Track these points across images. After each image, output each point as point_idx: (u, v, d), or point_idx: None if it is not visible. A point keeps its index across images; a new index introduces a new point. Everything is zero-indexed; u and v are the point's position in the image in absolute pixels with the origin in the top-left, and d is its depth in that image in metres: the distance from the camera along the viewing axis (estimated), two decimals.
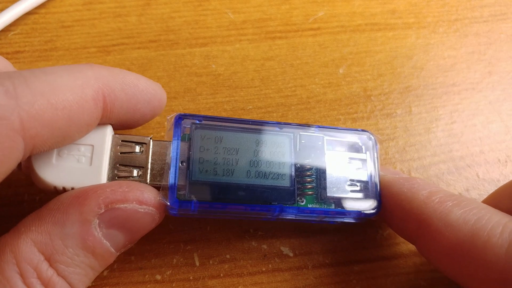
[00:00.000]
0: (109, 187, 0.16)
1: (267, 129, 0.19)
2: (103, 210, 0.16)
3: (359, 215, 0.19)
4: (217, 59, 0.25)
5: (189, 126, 0.19)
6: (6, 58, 0.20)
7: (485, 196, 0.21)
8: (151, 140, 0.19)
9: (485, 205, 0.17)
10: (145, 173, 0.18)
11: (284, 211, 0.19)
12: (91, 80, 0.16)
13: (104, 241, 0.16)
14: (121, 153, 0.18)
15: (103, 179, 0.18)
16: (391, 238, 0.21)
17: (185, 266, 0.20)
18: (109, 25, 0.26)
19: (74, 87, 0.16)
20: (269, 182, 0.19)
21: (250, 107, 0.24)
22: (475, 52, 0.27)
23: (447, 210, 0.17)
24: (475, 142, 0.24)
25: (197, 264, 0.20)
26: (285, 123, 0.20)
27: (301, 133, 0.20)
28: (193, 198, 0.18)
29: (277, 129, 0.19)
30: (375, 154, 0.20)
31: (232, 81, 0.25)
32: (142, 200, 0.17)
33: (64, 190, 0.17)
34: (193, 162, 0.18)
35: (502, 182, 0.23)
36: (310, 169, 0.20)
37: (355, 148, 0.21)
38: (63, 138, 0.16)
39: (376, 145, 0.20)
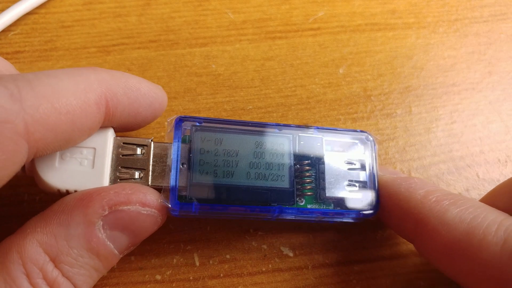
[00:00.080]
0: (112, 190, 0.17)
1: (266, 131, 0.20)
2: (107, 212, 0.16)
3: (358, 215, 0.19)
4: (217, 59, 0.25)
5: (189, 128, 0.19)
6: (6, 58, 0.20)
7: None
8: (152, 142, 0.19)
9: (481, 204, 0.17)
10: (146, 175, 0.19)
11: (284, 212, 0.19)
12: (94, 84, 0.16)
13: (108, 242, 0.16)
14: (122, 155, 0.19)
15: (105, 181, 0.18)
16: (391, 238, 0.21)
17: (185, 266, 0.20)
18: (109, 25, 0.26)
19: (77, 91, 0.16)
20: (268, 184, 0.19)
21: (250, 107, 0.24)
22: (475, 52, 0.27)
23: (443, 209, 0.17)
24: (475, 142, 0.24)
25: (197, 264, 0.20)
26: (284, 125, 0.20)
27: (300, 134, 0.20)
28: (194, 200, 0.18)
29: (276, 130, 0.20)
30: (374, 154, 0.20)
31: (232, 81, 0.25)
32: (145, 202, 0.17)
33: (67, 192, 0.17)
34: (193, 164, 0.18)
35: None
36: (309, 170, 0.20)
37: (353, 148, 0.21)
38: (66, 142, 0.16)
39: (374, 145, 0.20)
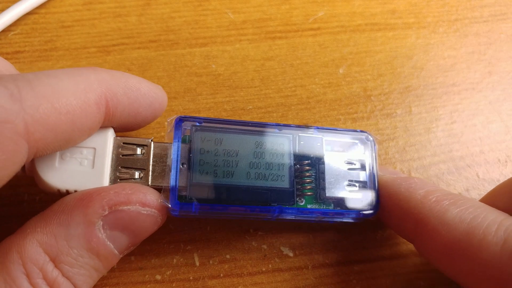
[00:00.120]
0: (112, 189, 0.17)
1: (266, 131, 0.20)
2: (107, 212, 0.16)
3: (358, 215, 0.19)
4: (217, 59, 0.25)
5: (189, 128, 0.19)
6: (6, 58, 0.20)
7: None
8: (152, 142, 0.19)
9: (481, 204, 0.17)
10: (146, 175, 0.19)
11: (284, 212, 0.19)
12: (94, 84, 0.16)
13: (108, 242, 0.16)
14: (122, 155, 0.19)
15: (105, 181, 0.18)
16: (391, 238, 0.21)
17: (185, 266, 0.20)
18: (109, 25, 0.26)
19: (77, 91, 0.16)
20: (268, 184, 0.19)
21: (250, 107, 0.24)
22: (475, 52, 0.27)
23: (443, 209, 0.17)
24: (475, 142, 0.24)
25: (197, 264, 0.20)
26: (284, 125, 0.20)
27: (300, 134, 0.20)
28: (194, 200, 0.18)
29: (276, 130, 0.20)
30: (374, 154, 0.20)
31: (232, 81, 0.25)
32: (145, 202, 0.17)
33: (67, 192, 0.17)
34: (193, 164, 0.18)
35: None
36: (309, 170, 0.20)
37: (353, 148, 0.21)
38: (66, 142, 0.16)
39: (374, 145, 0.20)
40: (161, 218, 0.18)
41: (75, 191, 0.17)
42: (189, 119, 0.19)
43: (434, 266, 0.19)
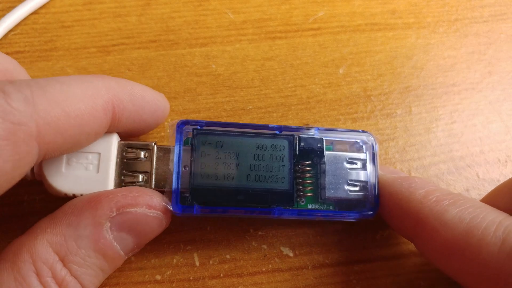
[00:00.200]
0: (120, 192, 0.17)
1: (266, 133, 0.20)
2: (114, 214, 0.17)
3: (358, 215, 0.19)
4: (217, 59, 0.25)
5: (190, 131, 0.19)
6: None
7: None
8: (155, 146, 0.19)
9: (481, 204, 0.17)
10: (150, 178, 0.19)
11: (284, 214, 0.19)
12: (101, 91, 0.17)
13: (115, 243, 0.17)
14: (126, 159, 0.19)
15: (110, 185, 0.18)
16: (391, 238, 0.21)
17: (185, 266, 0.20)
18: (109, 25, 0.26)
19: (86, 97, 0.16)
20: (268, 186, 0.19)
21: (250, 107, 0.24)
22: (475, 52, 0.27)
23: (443, 209, 0.17)
24: (475, 142, 0.24)
25: (197, 264, 0.20)
26: (284, 126, 0.20)
27: (300, 135, 0.20)
28: (195, 203, 0.18)
29: (276, 132, 0.20)
30: (374, 154, 0.20)
31: (232, 81, 0.25)
32: (152, 204, 0.18)
33: (74, 196, 0.18)
34: (194, 168, 0.19)
35: None
36: (310, 170, 0.20)
37: (354, 148, 0.21)
38: (73, 145, 0.17)
39: (375, 145, 0.20)
40: (166, 221, 0.18)
41: (81, 195, 0.18)
42: (190, 123, 0.19)
43: (434, 265, 0.19)
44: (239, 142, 0.19)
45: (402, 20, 0.28)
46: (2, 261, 0.16)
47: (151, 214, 0.18)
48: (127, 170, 0.19)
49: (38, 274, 0.16)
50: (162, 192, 0.19)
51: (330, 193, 0.19)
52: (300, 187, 0.19)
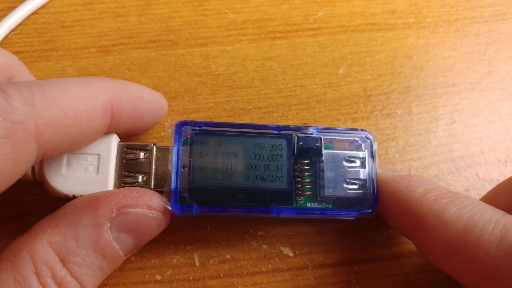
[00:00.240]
0: (120, 193, 0.17)
1: (265, 133, 0.20)
2: (114, 214, 0.17)
3: (357, 214, 0.20)
4: (217, 59, 0.25)
5: (189, 131, 0.19)
6: None
7: None
8: (154, 146, 0.20)
9: (480, 202, 0.17)
10: (149, 179, 0.19)
11: (282, 213, 0.19)
12: (100, 92, 0.17)
13: (114, 244, 0.17)
14: (126, 160, 0.19)
15: (110, 186, 0.19)
16: (391, 238, 0.21)
17: (185, 266, 0.20)
18: (109, 25, 0.26)
19: (85, 97, 0.17)
20: (267, 185, 0.19)
21: (250, 107, 0.24)
22: (475, 52, 0.27)
23: (442, 207, 0.17)
24: (475, 142, 0.24)
25: (197, 264, 0.20)
26: (283, 126, 0.20)
27: (298, 135, 0.20)
28: (194, 203, 0.18)
29: (275, 132, 0.20)
30: (373, 152, 0.20)
31: (232, 81, 0.25)
32: (151, 205, 0.18)
33: (74, 197, 0.18)
34: (193, 168, 0.19)
35: None
36: (309, 169, 0.20)
37: (353, 147, 0.21)
38: (73, 144, 0.17)
39: (374, 143, 0.20)
40: (165, 221, 0.19)
41: (81, 196, 0.18)
42: (189, 123, 0.19)
43: (432, 263, 0.19)
44: (238, 142, 0.19)
45: (402, 20, 0.28)
46: (2, 261, 0.16)
47: (151, 215, 0.18)
48: (126, 170, 0.19)
49: (38, 275, 0.16)
50: (161, 192, 0.19)
51: (328, 191, 0.20)
52: (299, 185, 0.20)
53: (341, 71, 0.26)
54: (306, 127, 0.20)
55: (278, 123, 0.24)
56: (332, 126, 0.24)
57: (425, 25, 0.28)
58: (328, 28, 0.27)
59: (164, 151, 0.20)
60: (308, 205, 0.20)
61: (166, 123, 0.23)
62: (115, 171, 0.19)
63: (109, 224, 0.17)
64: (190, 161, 0.19)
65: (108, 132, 0.19)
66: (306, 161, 0.20)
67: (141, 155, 0.19)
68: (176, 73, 0.25)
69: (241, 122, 0.24)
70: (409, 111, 0.25)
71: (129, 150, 0.19)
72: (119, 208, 0.17)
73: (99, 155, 0.19)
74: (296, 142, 0.20)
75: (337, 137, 0.21)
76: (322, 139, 0.20)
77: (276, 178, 0.19)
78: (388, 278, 0.20)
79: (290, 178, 0.19)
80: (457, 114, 0.25)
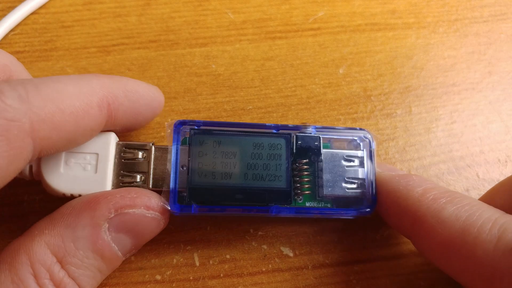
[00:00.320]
0: (118, 193, 0.17)
1: (264, 132, 0.20)
2: (113, 215, 0.17)
3: (355, 213, 0.20)
4: (217, 59, 0.25)
5: (188, 131, 0.19)
6: None
7: None
8: (153, 146, 0.20)
9: (478, 201, 0.17)
10: (147, 178, 0.19)
11: (281, 212, 0.19)
12: (96, 89, 0.17)
13: (113, 244, 0.17)
14: (124, 159, 0.19)
15: (108, 185, 0.18)
16: (391, 238, 0.21)
17: (185, 266, 0.20)
18: (109, 25, 0.26)
19: (80, 94, 0.17)
20: (266, 184, 0.19)
21: (250, 107, 0.24)
22: (475, 52, 0.27)
23: (440, 207, 0.17)
24: (475, 142, 0.24)
25: (197, 264, 0.20)
26: (282, 125, 0.20)
27: (297, 134, 0.20)
28: (193, 202, 0.18)
29: (274, 131, 0.20)
30: (372, 151, 0.20)
31: (232, 81, 0.25)
32: (150, 205, 0.18)
33: (72, 196, 0.18)
34: (192, 167, 0.19)
35: None
36: (308, 168, 0.20)
37: (351, 146, 0.21)
38: (69, 141, 0.17)
39: (372, 143, 0.20)
40: (164, 222, 0.18)
41: (80, 195, 0.18)
42: (187, 123, 0.19)
43: (431, 262, 0.19)
44: (237, 141, 0.19)
45: (402, 20, 0.28)
46: (0, 263, 0.16)
47: (149, 215, 0.18)
48: (125, 170, 0.19)
49: (36, 276, 0.16)
50: (160, 192, 0.19)
51: (327, 190, 0.20)
52: (298, 185, 0.20)
53: (341, 71, 0.26)
54: (305, 127, 0.20)
55: (278, 123, 0.24)
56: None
57: (425, 25, 0.28)
58: (328, 28, 0.27)
59: (162, 151, 0.19)
60: (307, 204, 0.20)
61: (166, 122, 0.23)
62: (113, 170, 0.19)
63: (107, 225, 0.17)
64: (188, 160, 0.19)
65: (106, 129, 0.19)
66: (305, 160, 0.20)
67: (140, 154, 0.19)
68: (176, 73, 0.25)
69: (241, 121, 0.24)
70: (409, 111, 0.25)
71: (128, 150, 0.19)
72: (117, 209, 0.17)
73: (97, 154, 0.19)
74: (295, 142, 0.20)
75: (335, 136, 0.21)
76: (321, 138, 0.20)
77: (275, 178, 0.19)
78: (388, 278, 0.20)
79: (289, 177, 0.19)
80: (457, 114, 0.25)
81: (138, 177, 0.19)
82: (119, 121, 0.19)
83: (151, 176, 0.19)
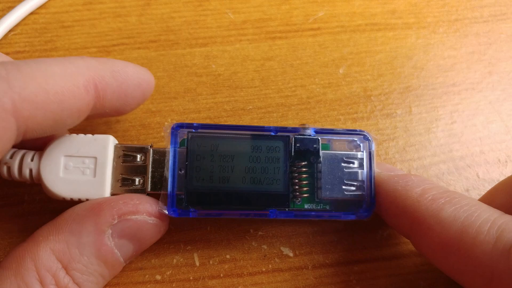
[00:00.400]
0: (121, 200, 0.18)
1: (262, 135, 0.19)
2: (116, 221, 0.17)
3: (353, 217, 0.19)
4: (217, 59, 0.25)
5: (185, 133, 0.19)
6: None
7: None
8: (151, 149, 0.19)
9: (477, 202, 0.17)
10: (146, 181, 0.19)
11: (279, 216, 0.19)
12: (82, 69, 0.17)
13: (116, 250, 0.17)
14: (123, 162, 0.19)
15: (107, 189, 0.19)
16: (391, 238, 0.21)
17: (185, 266, 0.20)
18: (109, 25, 0.26)
19: (65, 75, 0.16)
20: (263, 188, 0.19)
21: (250, 107, 0.24)
22: (475, 52, 0.27)
23: (439, 207, 0.17)
24: (475, 142, 0.24)
25: (197, 264, 0.20)
26: (280, 127, 0.20)
27: (296, 136, 0.20)
28: (190, 207, 0.18)
29: (272, 133, 0.20)
30: (371, 154, 0.20)
31: (232, 81, 0.25)
32: (152, 212, 0.18)
33: (72, 200, 0.18)
34: (189, 171, 0.19)
35: None
36: (306, 171, 0.20)
37: (351, 146, 0.21)
38: (56, 122, 0.17)
39: (372, 144, 0.20)
40: (164, 228, 0.19)
41: (79, 199, 0.18)
42: (185, 126, 0.19)
43: (430, 262, 0.19)
44: (234, 145, 0.19)
45: (402, 20, 0.28)
46: (5, 269, 0.16)
47: (151, 221, 0.18)
48: (123, 173, 0.19)
49: (42, 282, 0.16)
50: (158, 195, 0.19)
51: (326, 193, 0.19)
52: (296, 187, 0.19)
53: (341, 71, 0.26)
54: (304, 128, 0.20)
55: (278, 123, 0.24)
56: (331, 126, 0.24)
57: (425, 25, 0.28)
58: (328, 28, 0.27)
59: (161, 154, 0.19)
60: (306, 206, 0.20)
61: (166, 123, 0.23)
62: (112, 174, 0.19)
63: (110, 231, 0.17)
64: (186, 164, 0.19)
65: (95, 111, 0.18)
66: (303, 163, 0.20)
67: (138, 157, 0.19)
68: (176, 73, 0.25)
69: (241, 122, 0.24)
70: (409, 111, 0.25)
71: (126, 152, 0.19)
72: (120, 215, 0.17)
73: (95, 158, 0.19)
74: (293, 144, 0.20)
75: (335, 138, 0.20)
76: (320, 140, 0.20)
77: (273, 181, 0.19)
78: (388, 278, 0.20)
79: (287, 180, 0.19)
80: (457, 114, 0.25)
81: (137, 180, 0.19)
82: (107, 102, 0.18)
83: (149, 179, 0.19)
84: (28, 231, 0.20)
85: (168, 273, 0.20)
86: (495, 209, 0.17)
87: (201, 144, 0.19)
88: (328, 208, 0.20)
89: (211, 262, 0.20)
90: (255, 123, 0.24)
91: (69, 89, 0.16)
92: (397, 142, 0.24)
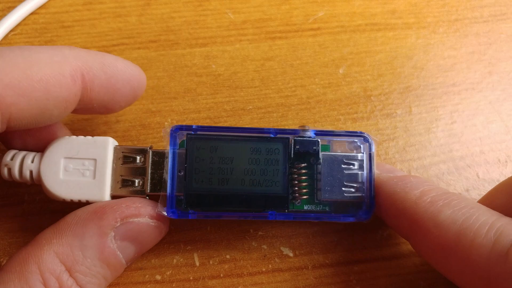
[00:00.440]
0: (124, 203, 0.18)
1: (261, 137, 0.19)
2: (119, 224, 0.17)
3: (352, 219, 0.19)
4: (217, 59, 0.25)
5: (185, 134, 0.19)
6: None
7: None
8: (150, 150, 0.20)
9: (475, 204, 0.17)
10: (145, 183, 0.19)
11: (278, 218, 0.19)
12: (68, 58, 0.17)
13: (118, 252, 0.17)
14: (122, 164, 0.19)
15: (107, 191, 0.19)
16: (391, 238, 0.21)
17: (185, 266, 0.20)
18: (109, 25, 0.26)
19: (51, 62, 0.16)
20: (263, 190, 0.19)
21: (250, 107, 0.24)
22: (475, 52, 0.27)
23: (437, 210, 0.17)
24: (475, 142, 0.24)
25: (197, 264, 0.20)
26: (280, 129, 0.20)
27: (295, 138, 0.19)
28: (190, 209, 0.18)
29: (271, 135, 0.19)
30: (371, 156, 0.20)
31: (232, 81, 0.25)
32: (153, 215, 0.18)
33: (72, 201, 0.19)
34: (188, 173, 0.19)
35: None
36: (306, 173, 0.20)
37: (352, 148, 0.21)
38: (41, 111, 0.16)
39: (372, 146, 0.20)
40: (165, 230, 0.19)
41: (79, 200, 0.18)
42: (184, 128, 0.19)
43: (428, 263, 0.19)
44: (234, 147, 0.19)
45: (402, 20, 0.28)
46: (9, 272, 0.16)
47: (153, 224, 0.18)
48: (123, 174, 0.19)
49: (45, 285, 0.16)
50: (157, 196, 0.19)
51: (325, 195, 0.19)
52: (296, 188, 0.19)
53: (341, 71, 0.26)
54: (304, 130, 0.20)
55: (278, 123, 0.24)
56: (331, 126, 0.24)
57: (425, 25, 0.28)
58: (328, 28, 0.27)
59: (160, 155, 0.19)
60: (305, 207, 0.19)
61: (165, 123, 0.23)
62: (112, 175, 0.19)
63: (113, 233, 0.17)
64: (185, 166, 0.19)
65: (82, 104, 0.18)
66: (303, 165, 0.20)
67: (138, 159, 0.19)
68: (176, 73, 0.25)
69: (241, 121, 0.24)
70: (409, 111, 0.25)
71: (126, 154, 0.19)
72: (123, 218, 0.17)
73: (95, 160, 0.19)
74: (293, 146, 0.19)
75: (335, 140, 0.20)
76: (319, 142, 0.20)
77: (272, 183, 0.19)
78: (388, 278, 0.20)
79: (286, 183, 0.19)
80: (457, 114, 0.25)
81: (136, 181, 0.19)
82: (95, 95, 0.18)
83: (149, 180, 0.19)
84: (28, 231, 0.20)
85: (168, 273, 0.20)
86: (494, 212, 0.17)
87: (200, 146, 0.19)
88: (327, 209, 0.20)
89: (211, 262, 0.20)
90: (255, 123, 0.24)
91: (55, 77, 0.16)
92: (397, 142, 0.24)
